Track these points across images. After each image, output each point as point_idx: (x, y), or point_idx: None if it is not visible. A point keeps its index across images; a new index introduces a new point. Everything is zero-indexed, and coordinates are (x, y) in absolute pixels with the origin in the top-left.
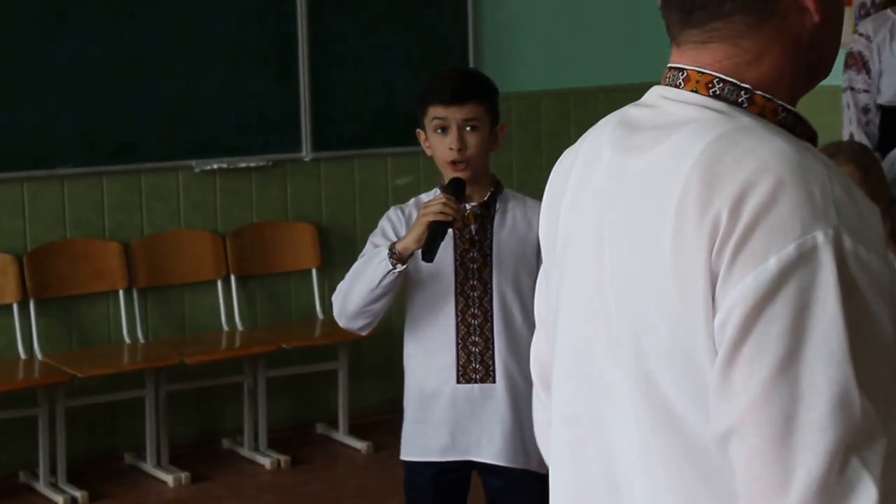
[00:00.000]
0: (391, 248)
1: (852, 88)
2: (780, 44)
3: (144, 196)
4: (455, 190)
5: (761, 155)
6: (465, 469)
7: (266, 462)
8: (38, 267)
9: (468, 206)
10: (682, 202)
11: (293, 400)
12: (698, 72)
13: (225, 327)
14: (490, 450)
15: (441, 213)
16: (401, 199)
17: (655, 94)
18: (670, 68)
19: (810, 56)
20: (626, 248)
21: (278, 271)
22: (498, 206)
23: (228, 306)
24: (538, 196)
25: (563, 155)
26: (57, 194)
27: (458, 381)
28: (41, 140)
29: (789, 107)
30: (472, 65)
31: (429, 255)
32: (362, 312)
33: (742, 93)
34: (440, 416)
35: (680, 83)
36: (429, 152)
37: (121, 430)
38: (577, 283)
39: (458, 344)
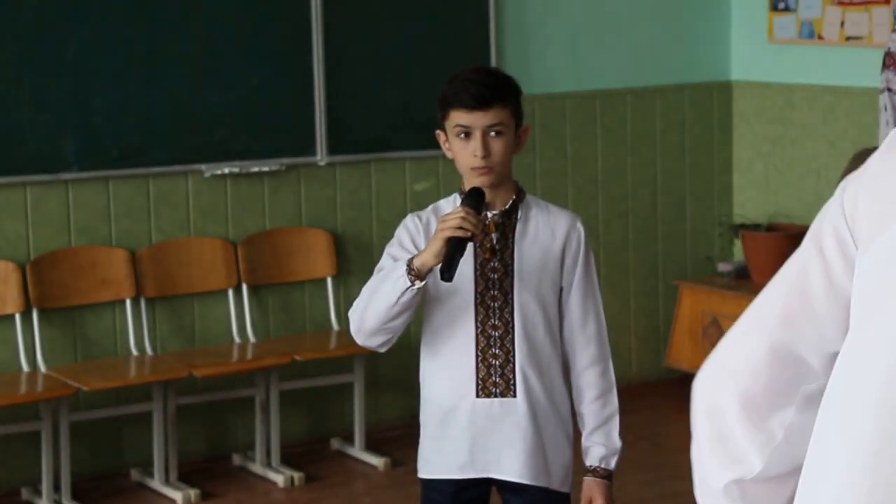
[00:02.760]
0: (409, 264)
1: (890, 90)
2: None
3: (152, 202)
4: (474, 201)
5: None
6: (484, 486)
7: (279, 479)
8: (42, 275)
9: (489, 215)
10: None
11: (307, 414)
12: None
13: (236, 339)
14: (511, 467)
15: (460, 227)
16: (420, 204)
17: None
18: None
19: None
20: None
21: (292, 280)
22: (520, 214)
23: (240, 317)
24: (563, 201)
25: None
26: (61, 200)
27: (478, 396)
28: (45, 143)
29: None
30: (494, 65)
31: (448, 273)
32: (381, 330)
33: None
34: (459, 431)
35: None
36: (449, 155)
37: (127, 445)
38: None
39: (477, 356)
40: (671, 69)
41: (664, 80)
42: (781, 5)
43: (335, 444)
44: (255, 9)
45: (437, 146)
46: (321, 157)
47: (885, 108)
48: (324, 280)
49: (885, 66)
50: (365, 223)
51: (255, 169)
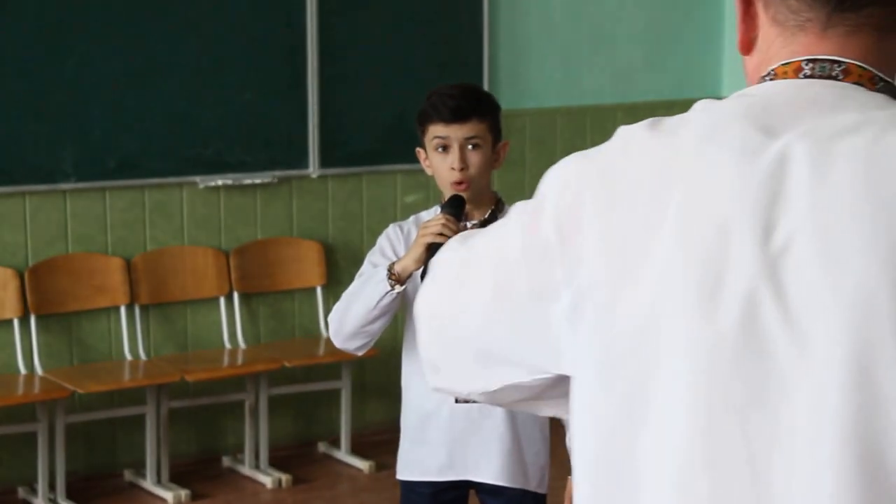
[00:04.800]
0: (390, 269)
1: None
2: None
3: (148, 212)
4: (454, 209)
5: None
6: (462, 488)
7: (267, 481)
8: (39, 282)
9: (469, 224)
10: None
11: (295, 418)
12: (859, 66)
13: (227, 345)
14: (489, 470)
15: (440, 233)
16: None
17: (797, 85)
18: (814, 60)
19: None
20: (842, 235)
21: (283, 289)
22: None
23: (231, 324)
24: None
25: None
26: (59, 209)
27: (457, 401)
28: (44, 154)
29: None
30: (486, 80)
31: None
32: (359, 333)
33: None
34: (438, 435)
35: (838, 75)
36: (429, 171)
37: (121, 446)
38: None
39: None
40: (662, 85)
41: (655, 96)
42: None
43: (322, 447)
44: (249, 23)
45: None
46: (313, 169)
47: None
48: (314, 289)
49: None
50: (355, 234)
51: (249, 181)
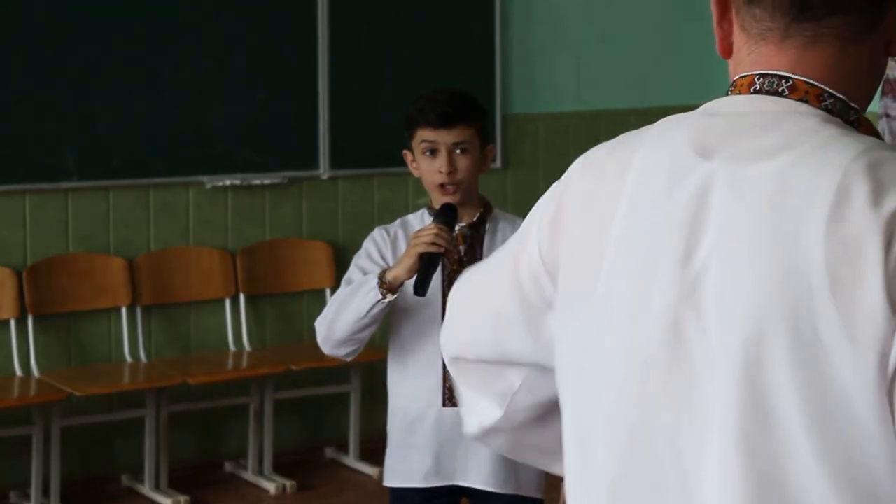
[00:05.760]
0: (381, 277)
1: (888, 115)
2: (872, 63)
3: (152, 212)
4: (447, 218)
5: None
6: (453, 494)
7: (271, 487)
8: (38, 282)
9: (457, 227)
10: (836, 210)
11: (302, 423)
12: (807, 83)
13: (232, 347)
14: (478, 475)
15: (433, 243)
16: None
17: (744, 101)
18: (765, 75)
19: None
20: (745, 258)
21: (291, 291)
22: (488, 226)
23: (236, 326)
24: None
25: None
26: (60, 208)
27: (444, 405)
28: (46, 152)
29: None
30: (499, 83)
31: (421, 289)
32: (348, 341)
33: (852, 112)
34: (425, 440)
35: (784, 91)
36: (416, 174)
37: (119, 451)
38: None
39: (444, 366)
40: (675, 90)
41: (668, 101)
42: None
43: (329, 452)
44: (260, 22)
45: None
46: (324, 170)
47: (883, 134)
48: (322, 291)
49: (883, 92)
50: (365, 236)
51: (257, 181)
